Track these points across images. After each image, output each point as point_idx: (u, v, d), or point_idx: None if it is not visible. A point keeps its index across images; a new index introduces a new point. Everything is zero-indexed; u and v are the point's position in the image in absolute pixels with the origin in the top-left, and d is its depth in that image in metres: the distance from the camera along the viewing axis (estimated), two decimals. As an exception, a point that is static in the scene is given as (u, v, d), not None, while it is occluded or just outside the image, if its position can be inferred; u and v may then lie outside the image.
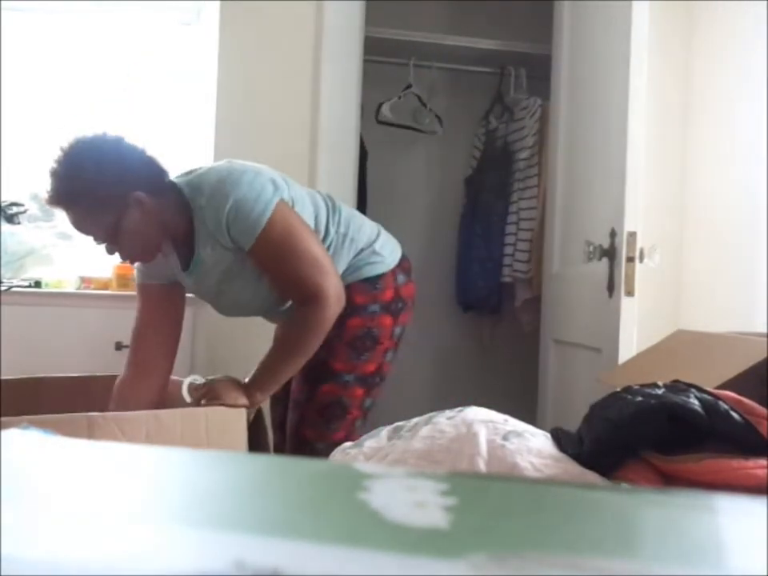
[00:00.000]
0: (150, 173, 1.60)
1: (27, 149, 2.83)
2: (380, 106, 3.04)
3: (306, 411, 1.70)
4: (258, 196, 1.54)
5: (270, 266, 1.59)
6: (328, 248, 1.67)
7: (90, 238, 1.60)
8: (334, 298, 1.57)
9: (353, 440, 1.48)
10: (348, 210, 1.78)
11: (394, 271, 1.73)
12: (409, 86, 3.03)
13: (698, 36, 2.55)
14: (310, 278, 1.56)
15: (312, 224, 1.65)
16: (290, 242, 1.56)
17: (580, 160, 2.37)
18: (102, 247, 1.60)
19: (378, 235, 1.76)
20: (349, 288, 1.65)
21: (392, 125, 3.08)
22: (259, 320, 2.52)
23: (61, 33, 2.83)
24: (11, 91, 2.76)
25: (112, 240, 1.57)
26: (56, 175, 1.52)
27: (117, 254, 1.62)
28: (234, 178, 1.55)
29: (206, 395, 1.55)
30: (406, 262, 1.78)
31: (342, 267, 1.69)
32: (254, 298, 1.68)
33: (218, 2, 2.44)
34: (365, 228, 1.75)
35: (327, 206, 1.72)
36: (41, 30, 2.81)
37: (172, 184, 1.62)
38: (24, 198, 2.71)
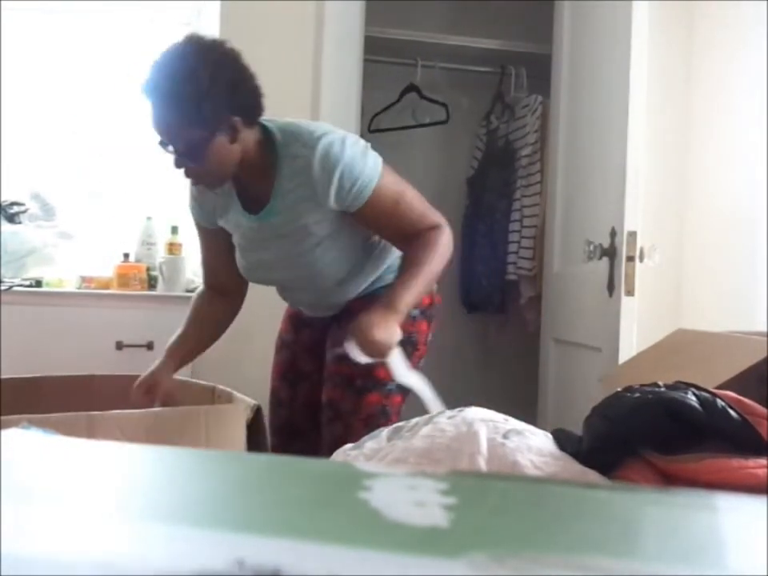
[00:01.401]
0: (254, 103, 1.53)
1: (27, 148, 2.83)
2: (374, 118, 3.04)
3: (351, 421, 1.65)
4: (365, 154, 1.53)
5: (383, 221, 1.57)
6: (377, 243, 1.67)
7: (159, 141, 1.50)
8: (447, 227, 1.61)
9: None
10: None
11: None
12: (408, 87, 3.03)
13: (698, 35, 2.55)
14: (425, 217, 1.58)
15: None
16: (399, 193, 1.56)
17: (580, 160, 2.37)
18: (171, 158, 1.51)
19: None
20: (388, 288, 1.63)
21: (389, 130, 3.08)
22: (259, 320, 2.53)
23: (61, 33, 2.83)
24: (11, 91, 2.76)
25: (189, 154, 1.47)
26: (163, 68, 1.47)
27: (182, 169, 1.52)
28: (350, 141, 1.52)
29: (361, 345, 1.47)
30: None
31: (382, 267, 1.68)
32: (327, 261, 1.61)
33: (218, 2, 2.44)
34: None
35: None
36: (41, 29, 2.81)
37: (263, 126, 1.57)
38: (24, 197, 2.71)
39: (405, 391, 1.68)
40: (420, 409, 1.51)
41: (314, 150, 1.48)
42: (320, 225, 1.56)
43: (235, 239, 1.69)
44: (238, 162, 1.52)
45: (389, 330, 1.48)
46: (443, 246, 1.59)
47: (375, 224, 1.59)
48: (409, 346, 1.64)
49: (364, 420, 1.65)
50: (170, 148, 1.49)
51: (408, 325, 1.63)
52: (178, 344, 1.72)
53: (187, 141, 1.45)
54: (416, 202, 1.59)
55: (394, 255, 1.70)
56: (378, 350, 1.48)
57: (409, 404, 2.57)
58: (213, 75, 1.43)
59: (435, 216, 1.59)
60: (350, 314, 1.62)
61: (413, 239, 1.58)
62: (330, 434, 1.67)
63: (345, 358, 1.60)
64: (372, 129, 3.07)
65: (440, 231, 1.58)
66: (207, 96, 1.42)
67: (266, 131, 1.56)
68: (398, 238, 1.62)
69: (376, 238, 1.67)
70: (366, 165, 1.51)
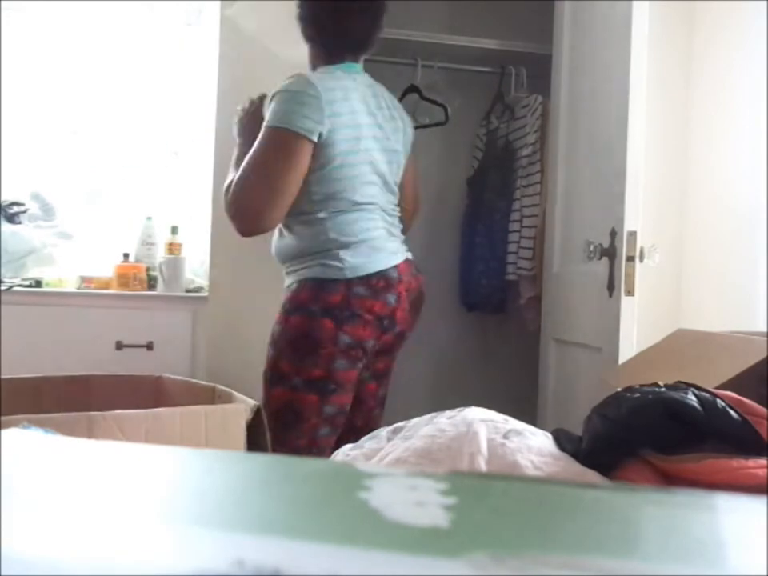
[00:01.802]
0: None
1: (27, 148, 2.83)
2: None
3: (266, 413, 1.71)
4: (279, 108, 1.73)
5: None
6: (311, 216, 1.81)
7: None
8: (236, 215, 1.76)
9: (317, 447, 1.51)
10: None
11: (350, 281, 1.73)
12: (409, 88, 3.03)
13: (698, 35, 2.55)
14: (239, 179, 1.74)
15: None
16: (259, 150, 1.73)
17: (580, 160, 2.37)
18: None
19: (357, 243, 1.76)
20: (300, 283, 1.77)
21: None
22: (259, 320, 2.53)
23: (61, 33, 2.83)
24: (11, 91, 2.75)
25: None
26: None
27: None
28: (297, 86, 1.75)
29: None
30: (379, 280, 1.75)
31: (307, 244, 1.82)
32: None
33: (218, 2, 2.44)
34: (352, 228, 1.78)
35: None
36: (41, 29, 2.81)
37: None
38: (25, 197, 2.71)
39: (320, 390, 1.72)
40: (421, 409, 1.51)
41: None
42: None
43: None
44: None
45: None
46: (229, 205, 1.76)
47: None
48: (309, 341, 1.71)
49: (272, 414, 1.69)
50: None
51: (306, 320, 1.73)
52: None
53: None
54: (249, 168, 1.72)
55: (318, 241, 1.77)
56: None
57: (409, 404, 2.57)
58: None
59: (252, 195, 1.71)
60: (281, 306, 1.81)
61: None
62: None
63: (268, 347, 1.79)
64: None
65: (234, 203, 1.74)
66: None
67: None
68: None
69: (312, 208, 1.77)
70: (279, 107, 1.69)
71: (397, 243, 1.86)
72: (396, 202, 1.91)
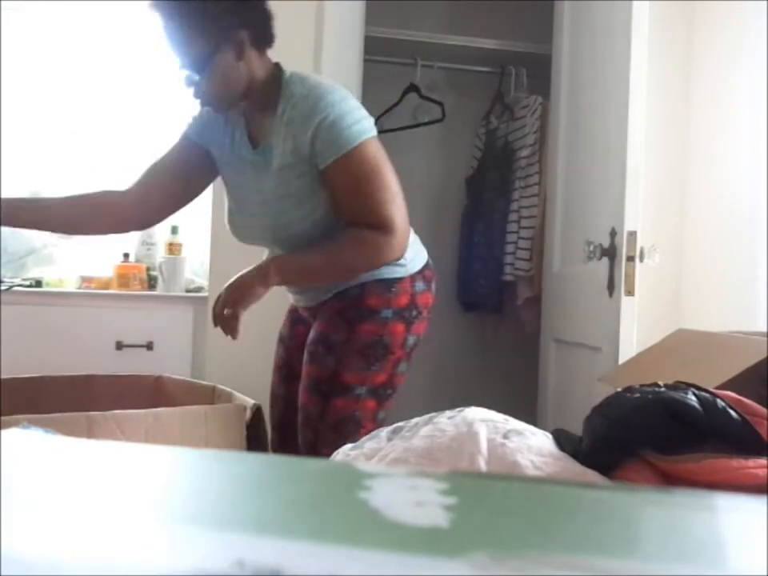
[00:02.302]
0: (262, 20, 1.53)
1: (27, 148, 2.83)
2: (378, 119, 3.04)
3: (319, 428, 1.59)
4: (358, 120, 1.49)
5: (346, 187, 1.49)
6: None
7: (174, 59, 1.50)
8: (402, 237, 1.49)
9: None
10: None
11: (413, 277, 1.63)
12: (410, 88, 3.03)
13: (698, 35, 2.55)
14: (386, 207, 1.47)
15: None
16: (374, 169, 1.48)
17: (580, 160, 2.37)
18: (182, 78, 1.50)
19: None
20: (363, 287, 1.58)
21: (393, 130, 3.09)
22: (259, 320, 2.52)
23: (61, 32, 2.83)
24: (11, 91, 2.76)
25: (194, 66, 1.47)
26: None
27: (192, 90, 1.51)
28: (341, 96, 1.49)
29: (223, 302, 1.49)
30: (428, 271, 1.68)
31: None
32: (297, 221, 1.54)
33: (218, 2, 2.43)
34: None
35: None
36: (41, 29, 2.81)
37: (277, 63, 1.57)
38: (24, 197, 2.71)
39: (379, 397, 1.61)
40: (421, 409, 1.51)
41: (311, 91, 1.47)
42: (301, 179, 1.50)
43: (229, 175, 1.64)
44: (245, 85, 1.51)
45: (242, 284, 1.49)
46: (371, 248, 1.49)
47: (340, 187, 1.49)
48: (379, 348, 1.59)
49: (333, 426, 1.58)
50: (180, 66, 1.48)
51: (378, 327, 1.58)
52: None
53: (193, 53, 1.45)
54: (392, 187, 1.49)
55: None
56: (225, 298, 1.49)
57: (409, 404, 2.57)
58: None
59: (398, 214, 1.48)
60: (325, 313, 1.60)
61: (358, 224, 1.49)
62: (303, 438, 1.62)
63: (314, 359, 1.60)
64: (379, 130, 3.07)
65: (382, 235, 1.48)
66: (212, 4, 1.42)
67: (278, 68, 1.55)
68: (356, 211, 1.50)
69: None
70: (357, 123, 1.47)
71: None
72: None
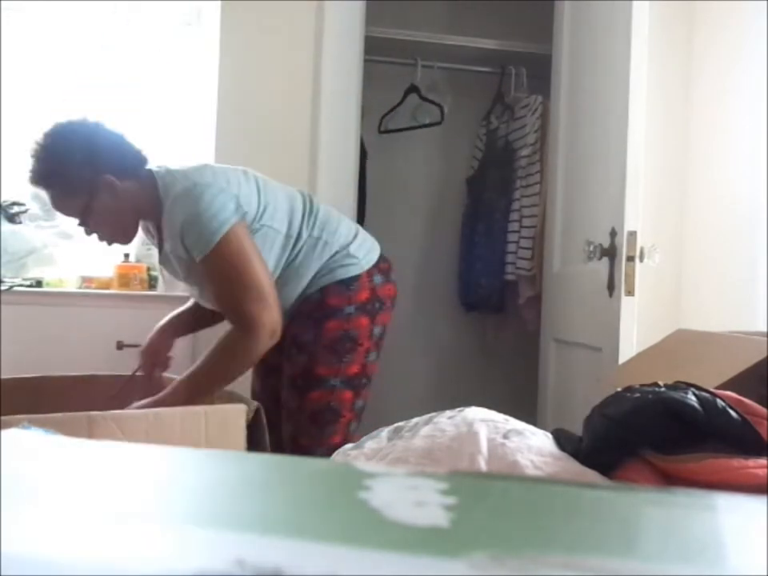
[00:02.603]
0: (124, 158, 1.67)
1: (28, 148, 2.83)
2: (382, 119, 3.05)
3: (299, 421, 1.72)
4: (214, 214, 1.55)
5: (214, 284, 1.61)
6: (299, 252, 1.69)
7: (72, 220, 1.68)
8: (267, 331, 1.55)
9: (350, 442, 1.48)
10: (325, 211, 1.78)
11: (369, 272, 1.74)
12: (410, 88, 3.03)
13: (698, 35, 2.55)
14: (247, 306, 1.55)
15: (285, 227, 1.68)
16: (236, 266, 1.56)
17: (580, 160, 2.37)
18: (84, 231, 1.70)
19: (354, 236, 1.77)
20: (323, 291, 1.71)
21: (394, 131, 3.10)
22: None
23: (61, 33, 2.83)
24: (11, 91, 2.76)
25: (87, 221, 1.66)
26: (34, 156, 1.65)
27: (95, 237, 1.70)
28: (197, 192, 1.56)
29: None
30: (384, 263, 1.79)
31: (313, 270, 1.71)
32: (210, 301, 1.73)
33: (218, 2, 2.44)
34: (341, 230, 1.76)
35: (304, 207, 1.73)
36: (41, 29, 2.81)
37: (150, 173, 1.67)
38: (25, 197, 2.71)
39: (354, 386, 1.72)
40: (421, 409, 1.51)
41: (176, 191, 1.59)
42: (195, 270, 1.63)
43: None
44: (134, 212, 1.67)
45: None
46: (246, 357, 1.59)
47: (209, 283, 1.63)
48: (347, 341, 1.70)
49: (310, 418, 1.70)
50: (77, 223, 1.67)
51: (342, 322, 1.70)
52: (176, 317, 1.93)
53: (77, 210, 1.64)
54: (253, 282, 1.56)
55: (321, 260, 1.71)
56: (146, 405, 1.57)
57: (410, 404, 2.57)
58: (69, 148, 1.61)
59: (262, 311, 1.55)
60: (300, 315, 1.72)
61: (231, 324, 1.60)
62: (286, 432, 1.74)
63: (289, 359, 1.73)
64: (381, 130, 3.08)
65: (251, 338, 1.55)
66: (69, 167, 1.61)
67: (152, 176, 1.66)
68: (223, 309, 1.64)
69: (292, 259, 1.71)
70: (212, 221, 1.54)
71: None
72: None
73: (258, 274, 1.57)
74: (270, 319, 1.56)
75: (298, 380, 1.71)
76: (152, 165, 1.72)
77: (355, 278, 1.73)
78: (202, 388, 1.59)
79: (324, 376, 1.70)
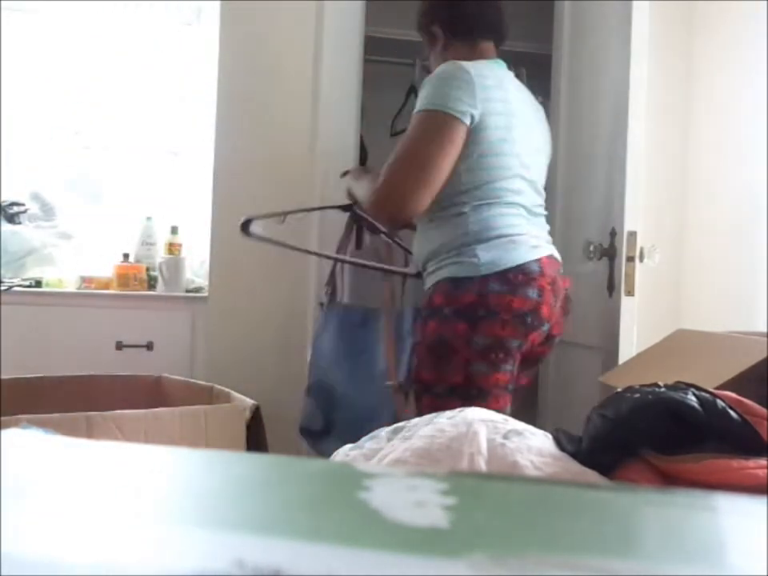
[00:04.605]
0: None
1: (27, 148, 2.83)
2: (393, 121, 3.05)
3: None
4: (440, 92, 1.62)
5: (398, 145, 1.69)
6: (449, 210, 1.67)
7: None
8: (381, 201, 1.65)
9: None
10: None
11: (486, 278, 1.61)
12: (411, 89, 3.03)
13: (698, 35, 2.55)
14: (384, 172, 1.66)
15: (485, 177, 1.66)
16: (418, 142, 1.62)
17: (580, 160, 2.37)
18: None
19: (497, 237, 1.65)
20: (436, 285, 1.66)
21: (401, 132, 3.09)
22: (259, 320, 2.52)
23: (61, 33, 2.83)
24: (11, 91, 2.76)
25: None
26: None
27: None
28: (448, 69, 1.65)
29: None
30: (516, 275, 1.63)
31: (446, 238, 1.68)
32: None
33: (218, 2, 2.44)
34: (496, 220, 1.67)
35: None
36: (41, 29, 2.81)
37: None
38: (24, 197, 2.71)
39: (463, 399, 1.57)
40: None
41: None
42: None
43: None
44: None
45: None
46: (374, 193, 1.68)
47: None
48: (441, 347, 1.62)
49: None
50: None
51: (439, 326, 1.62)
52: None
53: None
54: (406, 159, 1.63)
55: (456, 236, 1.65)
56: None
57: (409, 404, 2.56)
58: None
59: (398, 179, 1.63)
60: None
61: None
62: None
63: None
64: (393, 133, 3.07)
65: (381, 187, 1.66)
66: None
67: None
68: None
69: (455, 201, 1.66)
70: (431, 91, 1.62)
71: (539, 240, 1.71)
72: (541, 202, 1.78)
73: (426, 157, 1.61)
74: (390, 192, 1.64)
75: (412, 384, 1.69)
76: None
77: (467, 279, 1.62)
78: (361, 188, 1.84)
79: (428, 381, 1.64)
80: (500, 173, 1.66)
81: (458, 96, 1.59)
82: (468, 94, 1.60)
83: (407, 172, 1.61)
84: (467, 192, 1.65)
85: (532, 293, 1.62)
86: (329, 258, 2.10)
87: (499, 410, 1.54)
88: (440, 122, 1.59)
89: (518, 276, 1.62)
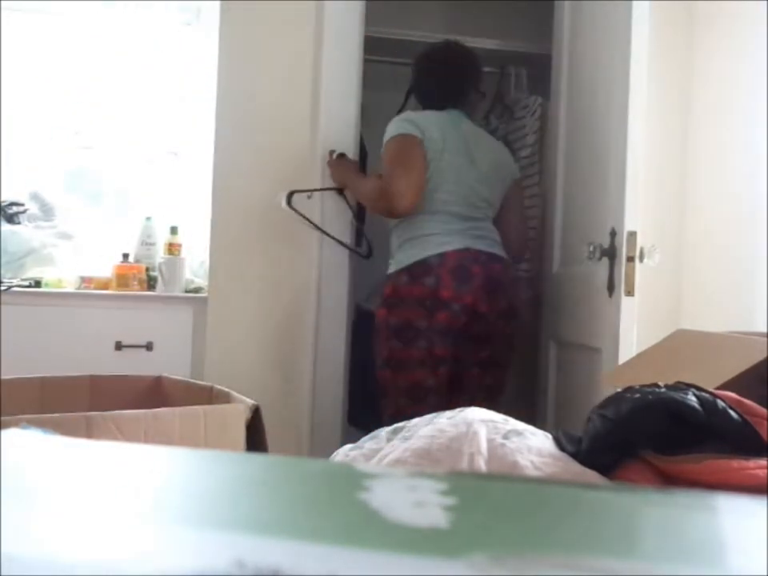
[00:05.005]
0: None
1: (27, 148, 2.83)
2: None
3: None
4: (398, 125, 2.17)
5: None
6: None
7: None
8: (389, 193, 2.06)
9: (400, 416, 1.61)
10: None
11: (399, 273, 2.13)
12: (411, 89, 3.02)
13: (698, 35, 2.55)
14: (388, 178, 2.09)
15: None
16: (396, 152, 2.12)
17: (580, 160, 2.37)
18: None
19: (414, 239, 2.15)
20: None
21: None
22: (259, 320, 2.52)
23: (61, 33, 2.83)
24: (11, 91, 2.75)
25: None
26: None
27: None
28: (403, 116, 2.25)
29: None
30: (418, 267, 2.10)
31: (399, 249, 2.20)
32: None
33: (218, 2, 2.44)
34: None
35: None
36: (41, 29, 2.81)
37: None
38: (24, 197, 2.71)
39: (392, 369, 2.11)
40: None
41: None
42: None
43: None
44: None
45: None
46: (369, 194, 2.18)
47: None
48: (375, 330, 2.14)
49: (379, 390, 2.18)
50: None
51: (377, 313, 2.15)
52: None
53: None
54: (392, 170, 2.09)
55: (408, 249, 2.15)
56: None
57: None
58: None
59: (394, 181, 2.07)
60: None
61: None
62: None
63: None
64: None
65: (380, 186, 2.10)
66: None
67: None
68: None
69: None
70: (391, 129, 2.16)
71: (451, 237, 2.13)
72: (471, 213, 2.20)
73: (404, 166, 2.11)
74: (397, 189, 2.06)
75: None
76: None
77: (389, 276, 2.16)
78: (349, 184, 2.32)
79: (374, 357, 2.15)
80: (429, 187, 2.13)
81: (406, 127, 2.15)
82: (413, 126, 2.15)
83: (396, 176, 2.07)
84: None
85: (428, 281, 2.07)
86: (337, 240, 2.41)
87: (420, 381, 2.07)
88: (402, 140, 2.13)
89: (419, 268, 2.09)
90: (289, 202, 2.29)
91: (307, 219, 2.32)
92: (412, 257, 2.11)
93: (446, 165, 2.15)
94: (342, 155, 2.39)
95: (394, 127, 2.16)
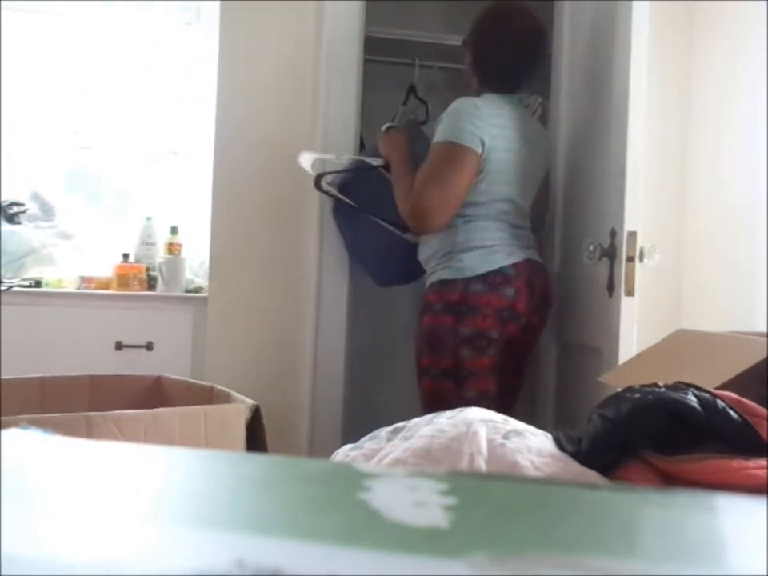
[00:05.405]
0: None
1: (27, 148, 2.83)
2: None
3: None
4: (455, 122, 1.96)
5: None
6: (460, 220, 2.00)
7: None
8: (420, 210, 1.95)
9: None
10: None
11: (468, 280, 1.98)
12: (411, 88, 3.02)
13: (698, 36, 2.55)
14: (422, 190, 1.95)
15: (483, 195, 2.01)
16: (436, 164, 1.94)
17: (580, 160, 2.37)
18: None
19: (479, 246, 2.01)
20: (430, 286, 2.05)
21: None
22: (259, 320, 2.52)
23: (61, 33, 2.83)
24: (11, 91, 2.76)
25: None
26: None
27: None
28: (461, 102, 2.01)
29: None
30: (495, 277, 1.98)
31: (446, 246, 2.03)
32: None
33: (218, 2, 2.44)
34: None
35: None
36: (41, 29, 2.81)
37: None
38: (24, 197, 2.71)
39: (456, 379, 1.97)
40: (420, 409, 1.51)
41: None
42: None
43: None
44: None
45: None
46: (404, 203, 2.01)
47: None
48: (433, 337, 1.98)
49: (424, 403, 2.00)
50: None
51: (431, 319, 1.99)
52: None
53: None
54: (430, 180, 1.94)
55: (451, 242, 2.01)
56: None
57: (409, 404, 2.56)
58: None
59: (426, 198, 1.94)
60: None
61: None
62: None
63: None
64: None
65: (411, 202, 1.97)
66: None
67: None
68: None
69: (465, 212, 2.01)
70: (448, 126, 1.96)
71: (514, 248, 2.03)
72: (524, 223, 2.12)
73: (448, 177, 1.94)
74: (425, 206, 1.94)
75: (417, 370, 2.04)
76: None
77: (452, 281, 1.99)
78: (397, 181, 2.10)
79: (426, 366, 1.99)
80: (490, 197, 2.01)
81: (469, 129, 1.94)
82: (477, 127, 1.94)
83: (431, 194, 1.93)
84: (461, 208, 1.99)
85: (508, 292, 1.98)
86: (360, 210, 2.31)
87: (486, 390, 1.97)
88: (454, 150, 1.94)
89: (496, 278, 1.98)
90: (318, 185, 2.24)
91: (341, 198, 2.27)
92: (483, 265, 1.98)
93: (508, 169, 2.03)
94: (392, 128, 2.27)
95: (453, 125, 1.96)
